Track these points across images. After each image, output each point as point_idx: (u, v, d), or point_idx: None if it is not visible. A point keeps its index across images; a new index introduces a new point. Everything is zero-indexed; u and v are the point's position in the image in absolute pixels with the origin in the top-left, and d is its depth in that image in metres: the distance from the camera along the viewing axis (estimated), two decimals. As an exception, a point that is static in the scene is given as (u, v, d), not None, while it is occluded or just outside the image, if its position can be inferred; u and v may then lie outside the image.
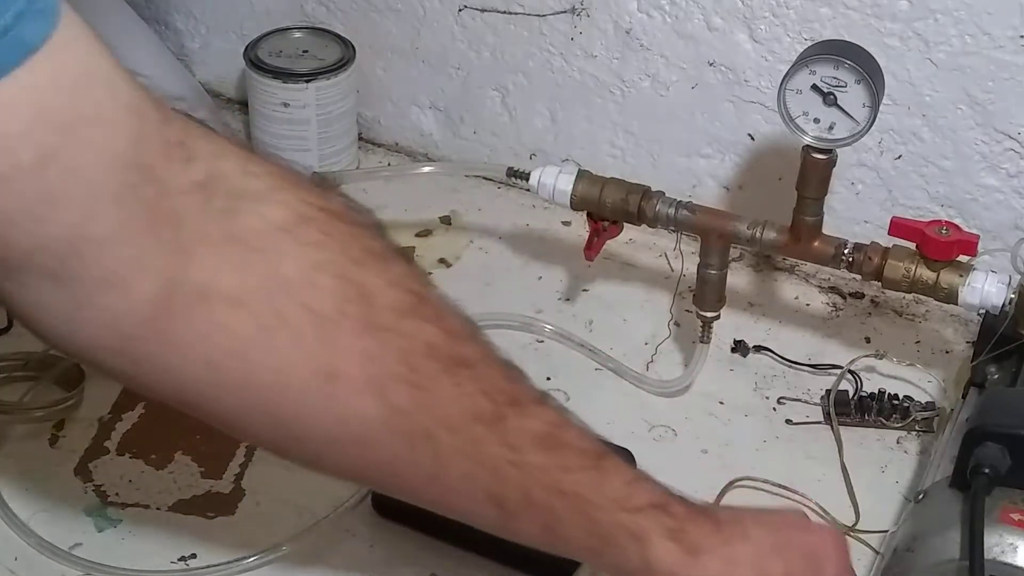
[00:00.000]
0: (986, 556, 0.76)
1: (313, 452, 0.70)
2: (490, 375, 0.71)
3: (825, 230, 1.00)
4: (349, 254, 0.67)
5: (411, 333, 0.68)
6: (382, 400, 0.67)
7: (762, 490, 0.98)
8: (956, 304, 0.96)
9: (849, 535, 0.95)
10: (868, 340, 1.14)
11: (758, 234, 1.01)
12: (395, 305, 0.68)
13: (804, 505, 0.97)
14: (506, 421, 0.70)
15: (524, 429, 0.71)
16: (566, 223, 1.25)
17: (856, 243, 0.99)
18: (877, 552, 0.93)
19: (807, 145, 0.97)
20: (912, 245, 0.97)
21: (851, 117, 0.95)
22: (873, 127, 0.95)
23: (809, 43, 1.02)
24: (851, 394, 1.06)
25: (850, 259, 0.99)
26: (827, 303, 1.18)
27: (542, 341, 1.12)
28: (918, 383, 1.08)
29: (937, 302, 0.99)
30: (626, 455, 0.98)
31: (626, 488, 0.73)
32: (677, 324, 1.14)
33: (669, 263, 1.21)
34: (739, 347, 1.12)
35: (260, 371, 0.66)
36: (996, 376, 0.96)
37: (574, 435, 0.73)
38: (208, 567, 0.90)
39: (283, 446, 0.71)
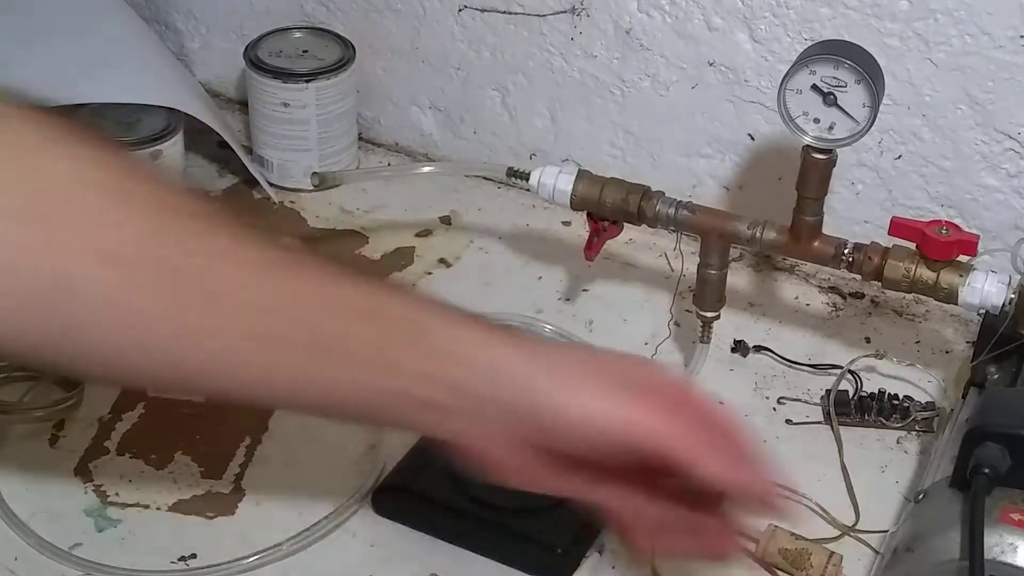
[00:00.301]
0: (986, 556, 0.76)
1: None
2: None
3: (825, 230, 1.00)
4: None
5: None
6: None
7: (762, 490, 0.98)
8: (956, 304, 0.96)
9: (849, 535, 0.95)
10: (868, 340, 1.14)
11: (758, 234, 1.01)
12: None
13: (804, 505, 0.97)
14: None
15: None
16: (566, 223, 1.25)
17: (856, 243, 0.99)
18: (877, 552, 0.93)
19: (807, 145, 0.97)
20: (912, 245, 0.97)
21: (851, 117, 0.95)
22: (873, 127, 0.95)
23: (809, 43, 1.02)
24: (851, 394, 1.06)
25: (850, 259, 0.99)
26: (827, 303, 1.18)
27: (542, 341, 1.12)
28: (918, 383, 1.08)
29: (937, 302, 0.99)
30: (626, 455, 0.99)
31: (456, 312, 0.74)
32: (677, 324, 1.14)
33: (669, 263, 1.21)
34: (739, 347, 1.12)
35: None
36: (996, 376, 0.96)
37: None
38: (208, 567, 0.90)
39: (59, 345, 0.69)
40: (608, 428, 0.71)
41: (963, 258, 0.97)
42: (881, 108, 0.95)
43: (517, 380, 0.72)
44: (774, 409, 1.07)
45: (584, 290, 1.18)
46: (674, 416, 0.72)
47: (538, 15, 1.23)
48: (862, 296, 1.19)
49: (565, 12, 1.22)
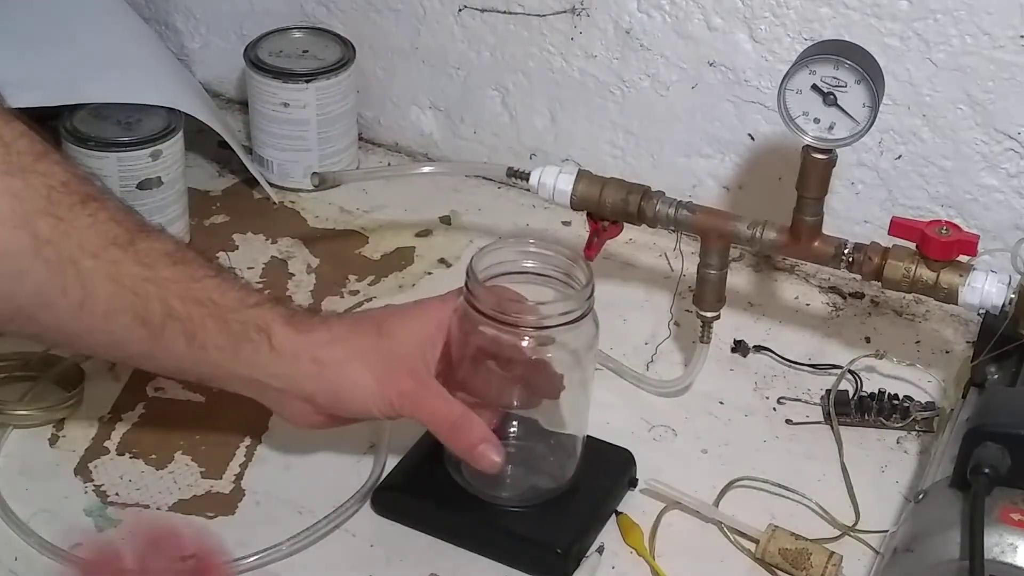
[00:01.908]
0: (986, 556, 0.76)
1: None
2: (115, 207, 0.83)
3: (825, 230, 1.00)
4: None
5: (47, 172, 0.79)
6: (30, 233, 0.78)
7: (762, 490, 0.98)
8: (956, 304, 0.96)
9: (849, 535, 0.95)
10: (868, 340, 1.14)
11: (758, 234, 1.01)
12: (29, 150, 0.79)
13: (804, 505, 0.97)
14: (137, 243, 0.83)
15: (153, 249, 0.84)
16: (566, 223, 1.25)
17: (856, 243, 0.99)
18: (877, 552, 0.93)
19: (807, 145, 0.97)
20: (912, 245, 0.97)
21: (851, 117, 0.95)
22: (873, 127, 0.95)
23: (809, 43, 1.02)
24: (851, 394, 1.06)
25: (850, 259, 0.99)
26: (827, 303, 1.18)
27: (542, 341, 1.12)
28: (918, 383, 1.08)
29: (937, 302, 0.99)
30: (626, 455, 0.99)
31: (243, 290, 0.88)
32: (677, 324, 1.14)
33: (669, 263, 1.21)
34: (739, 347, 1.12)
35: None
36: (996, 376, 0.96)
37: (194, 253, 0.87)
38: (208, 567, 0.90)
39: None
40: (353, 412, 0.91)
41: (963, 258, 0.97)
42: (881, 108, 0.94)
43: (328, 367, 0.89)
44: (774, 409, 1.07)
45: (584, 290, 1.18)
46: (428, 392, 0.90)
47: (538, 15, 1.23)
48: (862, 296, 1.19)
49: (565, 12, 1.22)
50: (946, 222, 0.97)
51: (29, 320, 0.82)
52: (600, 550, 0.93)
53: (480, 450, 0.89)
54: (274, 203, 1.27)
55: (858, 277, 1.01)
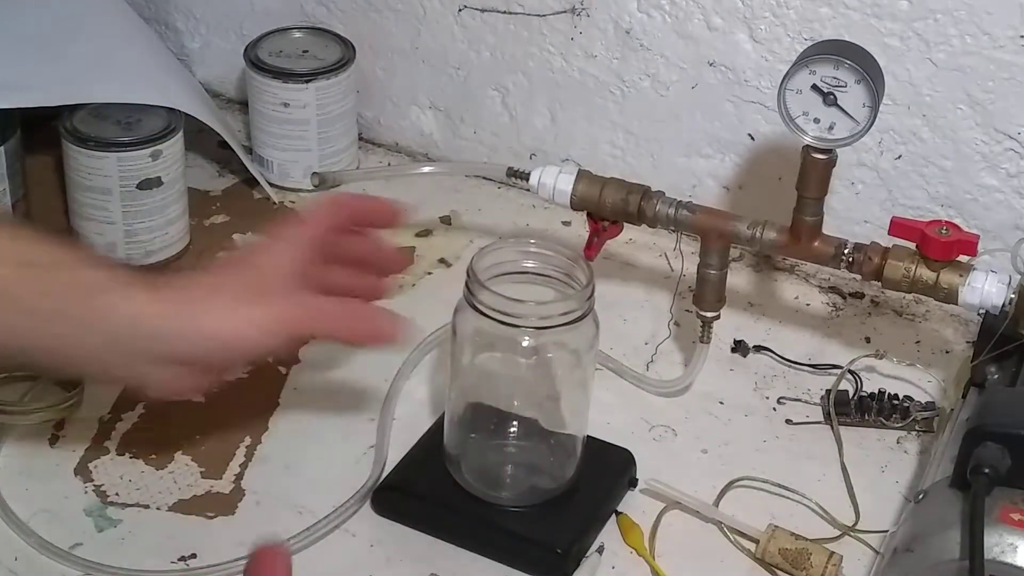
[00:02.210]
0: (986, 556, 0.76)
1: None
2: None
3: (825, 230, 1.00)
4: None
5: None
6: None
7: (762, 490, 0.98)
8: (956, 304, 0.96)
9: (849, 535, 0.95)
10: (868, 340, 1.14)
11: (758, 234, 1.01)
12: None
13: (804, 505, 0.97)
14: None
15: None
16: (566, 223, 1.25)
17: (856, 243, 0.99)
18: (877, 552, 0.93)
19: (807, 145, 0.97)
20: (912, 245, 0.97)
21: (851, 117, 0.95)
22: (873, 127, 0.95)
23: (809, 43, 1.02)
24: (851, 394, 1.06)
25: (850, 259, 0.99)
26: (827, 303, 1.18)
27: (542, 341, 1.12)
28: (918, 383, 1.08)
29: (937, 302, 0.99)
30: (626, 455, 0.99)
31: (87, 255, 0.86)
32: (677, 324, 1.15)
33: (669, 263, 1.21)
34: (739, 347, 1.12)
35: None
36: (996, 376, 0.96)
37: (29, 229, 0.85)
38: (208, 567, 0.90)
39: None
40: (228, 342, 0.84)
41: (963, 258, 0.97)
42: (881, 108, 0.95)
43: (157, 326, 0.82)
44: (774, 409, 1.07)
45: (584, 290, 1.18)
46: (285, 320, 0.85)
47: (538, 15, 1.23)
48: (862, 296, 1.19)
49: (565, 12, 1.22)
50: (946, 222, 0.97)
51: None
52: (600, 550, 0.93)
53: (378, 328, 0.87)
54: (274, 203, 1.27)
55: (858, 277, 1.01)
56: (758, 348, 1.12)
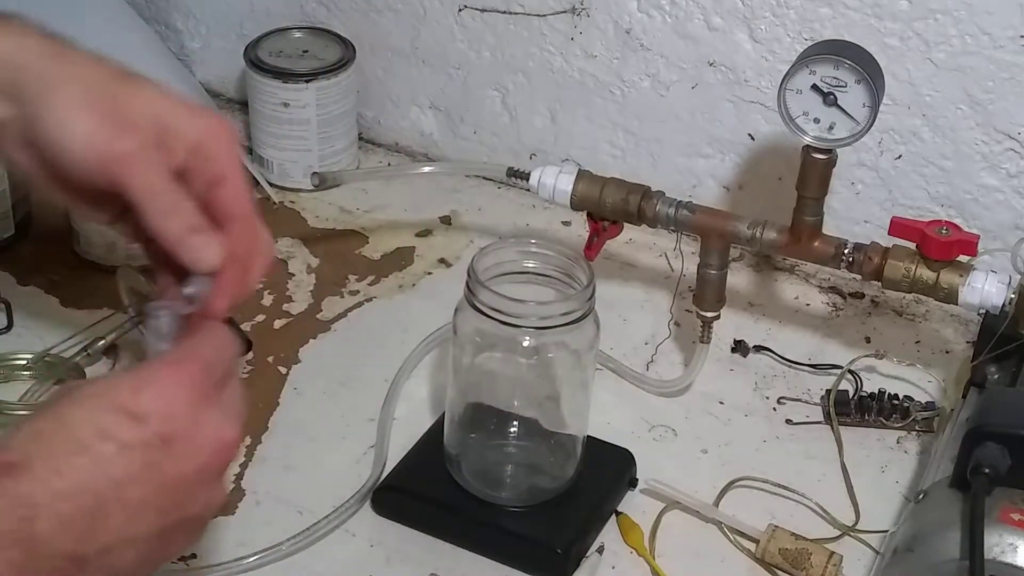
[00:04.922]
0: (986, 556, 0.76)
1: None
2: None
3: (825, 230, 1.00)
4: None
5: None
6: None
7: (762, 490, 0.98)
8: (956, 304, 0.96)
9: (849, 535, 0.95)
10: (868, 340, 1.14)
11: (758, 234, 1.01)
12: None
13: (804, 505, 0.97)
14: None
15: None
16: (566, 223, 1.25)
17: (856, 243, 0.99)
18: (877, 552, 0.93)
19: (807, 145, 0.97)
20: (912, 245, 0.97)
21: (851, 117, 0.95)
22: (873, 127, 0.95)
23: (809, 43, 1.02)
24: (851, 394, 1.06)
25: (850, 259, 0.99)
26: (827, 303, 1.18)
27: (542, 341, 1.12)
28: (918, 383, 1.08)
29: (937, 302, 0.99)
30: (626, 455, 0.99)
31: None
32: (677, 324, 1.15)
33: (669, 263, 1.21)
34: (739, 347, 1.12)
35: None
36: (996, 376, 0.96)
37: None
38: (208, 567, 0.90)
39: None
40: (83, 153, 0.70)
41: (963, 258, 0.97)
42: (881, 108, 0.95)
43: (28, 86, 0.71)
44: (774, 409, 1.07)
45: (584, 290, 1.18)
46: (150, 161, 0.71)
47: (538, 15, 1.23)
48: (862, 296, 1.19)
49: (565, 12, 1.22)
50: (946, 222, 0.97)
51: None
52: (600, 550, 0.93)
53: (194, 239, 0.71)
54: (274, 203, 1.27)
55: (858, 277, 1.01)
56: (758, 348, 1.12)
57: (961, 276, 0.96)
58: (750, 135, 1.20)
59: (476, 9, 1.26)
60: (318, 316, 1.14)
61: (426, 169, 1.21)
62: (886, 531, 0.93)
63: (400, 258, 1.21)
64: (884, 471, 1.01)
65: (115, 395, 0.63)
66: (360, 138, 1.34)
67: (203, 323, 0.70)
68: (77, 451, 0.61)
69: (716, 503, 0.97)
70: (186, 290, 0.71)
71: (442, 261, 1.21)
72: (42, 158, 0.72)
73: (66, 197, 0.74)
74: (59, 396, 0.65)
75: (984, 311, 0.96)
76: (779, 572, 0.92)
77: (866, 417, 1.05)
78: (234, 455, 0.67)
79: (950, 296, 0.96)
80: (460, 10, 1.27)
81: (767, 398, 1.08)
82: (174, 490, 0.64)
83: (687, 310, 1.12)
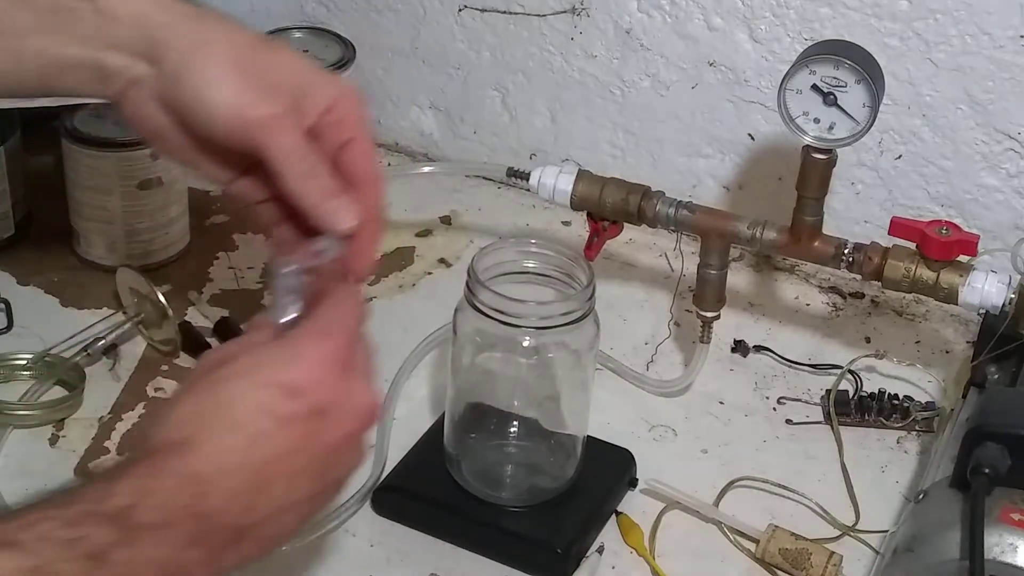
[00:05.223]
0: (986, 556, 0.76)
1: None
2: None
3: (825, 230, 1.00)
4: None
5: None
6: None
7: (762, 490, 0.98)
8: (956, 304, 0.96)
9: (849, 535, 0.95)
10: (868, 340, 1.14)
11: (758, 234, 1.01)
12: None
13: (804, 505, 0.97)
14: None
15: None
16: (566, 223, 1.25)
17: (856, 243, 0.99)
18: (877, 552, 0.93)
19: (807, 145, 0.97)
20: (912, 245, 0.97)
21: (851, 117, 0.95)
22: (873, 127, 0.95)
23: (809, 43, 1.02)
24: (851, 394, 1.06)
25: (850, 259, 0.99)
26: (827, 303, 1.18)
27: (542, 341, 1.12)
28: (918, 383, 1.08)
29: (937, 302, 0.99)
30: (626, 455, 0.99)
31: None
32: (677, 324, 1.14)
33: (669, 263, 1.21)
34: (739, 347, 1.12)
35: None
36: (996, 376, 0.96)
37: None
38: (208, 567, 0.90)
39: None
40: (225, 115, 0.72)
41: (963, 258, 0.97)
42: (881, 108, 0.95)
43: (170, 46, 0.73)
44: (774, 409, 1.07)
45: (584, 290, 1.18)
46: (290, 125, 0.73)
47: (538, 15, 1.23)
48: (862, 296, 1.19)
49: (565, 12, 1.22)
50: (946, 222, 0.97)
51: None
52: (600, 550, 0.93)
53: (333, 204, 0.73)
54: (274, 203, 1.27)
55: (858, 277, 1.01)
56: (758, 348, 1.12)
57: (961, 276, 0.96)
58: (750, 135, 1.20)
59: (476, 9, 1.26)
60: (318, 316, 1.14)
61: (426, 169, 1.21)
62: (886, 531, 0.93)
63: (400, 258, 1.21)
64: (884, 471, 1.01)
65: (268, 371, 0.65)
66: (360, 138, 1.34)
67: (338, 288, 0.72)
68: (238, 429, 0.63)
69: (716, 503, 0.97)
70: (315, 246, 0.73)
71: (442, 261, 1.21)
72: (178, 117, 0.74)
73: (195, 156, 0.76)
74: (206, 371, 0.66)
75: (984, 311, 0.96)
76: (779, 572, 0.92)
77: (866, 417, 1.05)
78: (375, 419, 0.70)
79: (950, 296, 0.96)
80: (460, 10, 1.27)
81: (767, 398, 1.08)
82: (327, 457, 0.66)
83: (687, 310, 1.12)
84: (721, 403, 1.07)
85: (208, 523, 0.61)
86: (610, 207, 1.03)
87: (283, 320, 0.70)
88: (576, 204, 1.04)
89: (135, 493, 0.60)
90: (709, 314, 1.04)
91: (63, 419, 1.01)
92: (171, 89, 0.73)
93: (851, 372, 1.08)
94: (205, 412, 0.64)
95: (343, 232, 0.73)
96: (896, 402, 1.05)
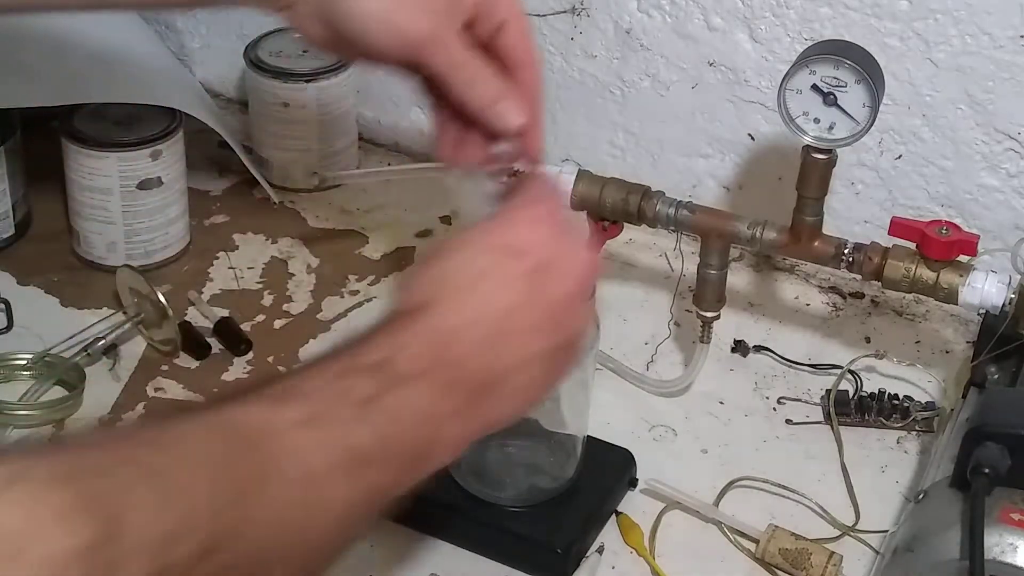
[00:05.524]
0: (986, 556, 0.76)
1: None
2: None
3: (825, 230, 1.00)
4: None
5: None
6: None
7: (762, 490, 0.98)
8: (956, 304, 0.96)
9: (849, 535, 0.95)
10: (868, 340, 1.14)
11: (758, 234, 1.01)
12: None
13: (804, 505, 0.97)
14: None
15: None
16: (566, 223, 1.25)
17: (856, 243, 0.99)
18: (877, 552, 0.93)
19: (807, 145, 0.97)
20: (912, 245, 0.97)
21: (851, 117, 0.95)
22: (873, 127, 0.95)
23: (809, 43, 1.02)
24: (851, 394, 1.06)
25: (850, 259, 0.99)
26: (827, 303, 1.18)
27: (542, 341, 1.12)
28: (918, 383, 1.08)
29: (937, 302, 0.99)
30: (626, 455, 0.99)
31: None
32: (677, 324, 1.14)
33: (669, 263, 1.21)
34: (739, 347, 1.12)
35: None
36: (996, 376, 0.96)
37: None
38: (208, 567, 0.90)
39: None
40: (384, 38, 0.78)
41: (963, 258, 0.97)
42: (881, 108, 0.95)
43: None
44: (774, 409, 1.07)
45: (584, 290, 1.18)
46: (447, 37, 0.78)
47: (538, 15, 1.23)
48: (862, 296, 1.19)
49: (565, 12, 1.22)
50: (946, 222, 0.97)
51: None
52: (600, 550, 0.93)
53: (500, 107, 0.79)
54: (274, 203, 1.27)
55: (858, 277, 1.01)
56: (758, 348, 1.12)
57: (961, 276, 0.96)
58: (750, 135, 1.20)
59: (476, 9, 1.26)
60: (318, 316, 1.14)
61: (426, 169, 1.21)
62: (886, 531, 0.93)
63: (400, 258, 1.21)
64: (884, 471, 1.01)
65: (491, 237, 0.72)
66: (360, 138, 1.34)
67: (528, 176, 0.79)
68: (471, 287, 0.69)
69: (716, 503, 0.97)
70: (495, 150, 0.80)
71: (442, 261, 1.21)
72: (339, 36, 0.79)
73: (366, 63, 0.82)
74: (435, 250, 0.72)
75: (984, 311, 0.96)
76: (779, 572, 0.92)
77: (866, 417, 1.05)
78: (596, 273, 0.75)
79: (950, 296, 0.96)
80: (460, 10, 1.26)
81: (767, 398, 1.08)
82: (554, 311, 0.71)
83: (687, 310, 1.12)
84: (721, 403, 1.07)
85: (458, 370, 0.67)
86: (610, 207, 1.03)
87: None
88: (576, 204, 1.04)
89: (390, 347, 0.65)
90: (709, 314, 1.04)
91: (63, 419, 1.01)
92: (326, 11, 0.78)
93: (851, 372, 1.08)
94: (439, 277, 0.69)
95: (513, 132, 0.79)
96: (896, 402, 1.05)
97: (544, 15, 1.23)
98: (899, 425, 1.04)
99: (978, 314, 0.98)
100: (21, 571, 0.47)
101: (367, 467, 0.62)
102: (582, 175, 1.04)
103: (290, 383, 0.63)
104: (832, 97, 0.94)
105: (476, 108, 0.79)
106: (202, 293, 1.15)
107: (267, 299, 1.15)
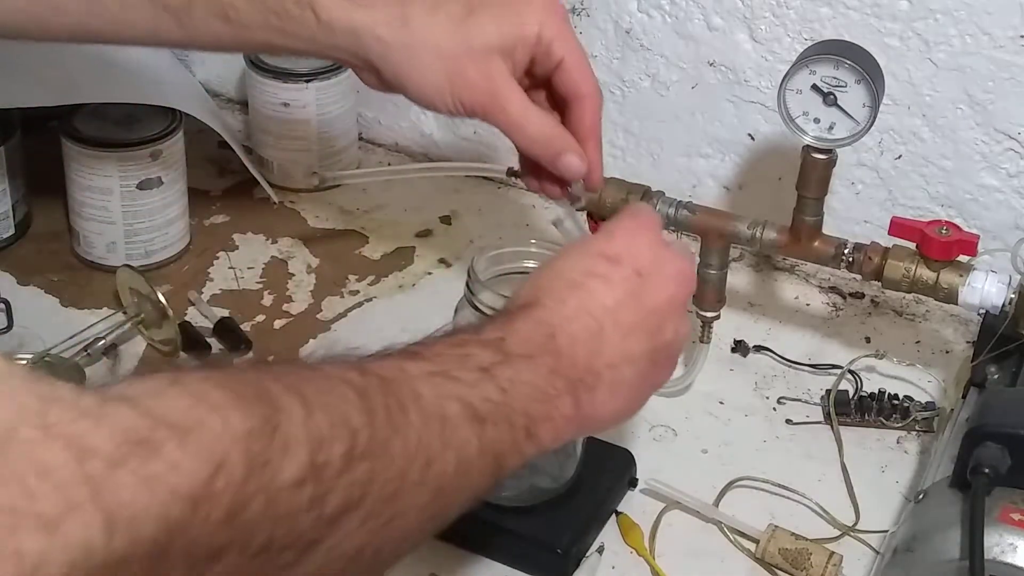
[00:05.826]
0: (986, 556, 0.76)
1: None
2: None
3: (825, 230, 1.00)
4: None
5: None
6: None
7: (762, 490, 0.98)
8: (956, 304, 0.96)
9: (849, 535, 0.95)
10: (868, 340, 1.14)
11: (758, 234, 1.01)
12: None
13: (804, 505, 0.97)
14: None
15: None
16: (566, 223, 1.25)
17: (856, 243, 0.99)
18: (877, 552, 0.93)
19: (807, 145, 0.97)
20: (912, 245, 0.97)
21: (851, 117, 0.95)
22: (873, 127, 0.95)
23: (809, 43, 1.02)
24: (851, 394, 1.06)
25: (850, 259, 0.99)
26: (827, 303, 1.18)
27: (542, 341, 1.11)
28: (918, 383, 1.08)
29: (937, 302, 0.99)
30: (626, 455, 0.99)
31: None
32: (677, 324, 1.14)
33: (669, 263, 1.20)
34: (739, 347, 1.12)
35: None
36: (996, 376, 0.96)
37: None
38: (208, 567, 0.90)
39: None
40: (442, 101, 0.85)
41: (963, 258, 0.97)
42: (881, 108, 0.95)
43: (384, 59, 0.85)
44: (774, 409, 1.07)
45: (584, 290, 1.18)
46: (503, 101, 0.85)
47: (538, 15, 1.23)
48: (862, 296, 1.19)
49: (565, 12, 1.22)
50: (946, 222, 0.97)
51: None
52: (600, 550, 0.93)
53: (562, 162, 0.87)
54: (274, 203, 1.27)
55: (858, 277, 1.01)
56: (758, 348, 1.12)
57: (961, 276, 0.96)
58: (750, 135, 1.20)
59: (476, 9, 1.26)
60: (318, 316, 1.14)
61: (426, 169, 1.21)
62: (886, 531, 0.93)
63: (400, 258, 1.21)
64: (884, 471, 1.01)
65: (592, 245, 0.77)
66: (360, 138, 1.34)
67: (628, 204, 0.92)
68: (572, 287, 0.74)
69: (716, 503, 0.97)
70: (572, 190, 0.90)
71: (442, 261, 1.21)
72: (399, 92, 0.86)
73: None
74: (544, 262, 0.79)
75: (984, 311, 0.96)
76: (779, 572, 0.92)
77: (866, 417, 1.05)
78: (694, 286, 0.79)
79: (950, 296, 0.96)
80: (460, 10, 1.26)
81: (767, 398, 1.08)
82: (652, 316, 0.75)
83: (687, 310, 1.12)
84: (721, 403, 1.07)
85: (562, 360, 0.71)
86: (610, 207, 1.03)
87: None
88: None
89: (503, 330, 0.71)
90: (709, 314, 1.04)
91: (63, 419, 1.01)
92: (391, 73, 0.85)
93: (851, 372, 1.08)
94: (544, 280, 0.75)
95: (577, 178, 0.88)
96: (896, 402, 1.05)
97: (544, 15, 1.23)
98: (899, 425, 1.04)
99: (978, 314, 0.98)
100: (191, 448, 0.52)
101: (486, 424, 0.66)
102: (582, 175, 1.04)
103: (414, 348, 0.68)
104: (832, 97, 0.94)
105: (543, 162, 0.87)
106: (202, 293, 1.15)
107: (267, 299, 1.15)
